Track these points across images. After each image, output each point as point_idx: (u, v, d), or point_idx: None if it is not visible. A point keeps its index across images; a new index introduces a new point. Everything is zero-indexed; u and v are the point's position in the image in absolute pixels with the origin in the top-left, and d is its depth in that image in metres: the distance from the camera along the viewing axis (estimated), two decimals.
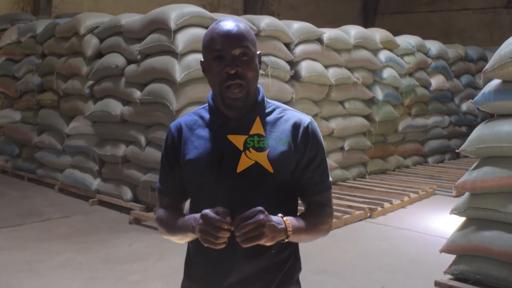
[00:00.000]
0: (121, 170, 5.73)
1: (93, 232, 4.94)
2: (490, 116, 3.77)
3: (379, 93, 7.23)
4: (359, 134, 7.08)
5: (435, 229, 5.08)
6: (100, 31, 6.22)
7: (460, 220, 3.72)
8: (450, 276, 3.66)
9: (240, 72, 1.52)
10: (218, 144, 1.60)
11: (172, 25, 5.21)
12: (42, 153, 6.91)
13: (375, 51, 7.29)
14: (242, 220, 1.42)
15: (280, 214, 1.51)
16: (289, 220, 1.51)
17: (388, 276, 3.96)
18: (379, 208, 5.61)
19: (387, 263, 4.23)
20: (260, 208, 1.45)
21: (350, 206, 5.55)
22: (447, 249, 3.68)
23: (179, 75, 5.10)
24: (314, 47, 6.44)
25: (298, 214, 1.64)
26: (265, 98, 1.67)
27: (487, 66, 3.49)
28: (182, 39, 5.22)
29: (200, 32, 5.30)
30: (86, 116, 6.12)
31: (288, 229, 1.49)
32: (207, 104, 1.68)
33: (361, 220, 5.38)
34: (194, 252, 1.67)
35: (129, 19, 5.92)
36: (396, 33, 8.24)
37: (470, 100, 3.90)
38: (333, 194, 6.43)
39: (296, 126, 1.61)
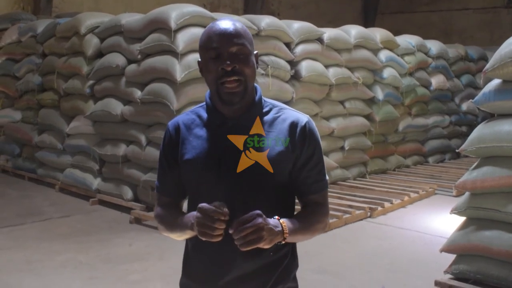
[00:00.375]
0: (122, 170, 5.73)
1: (93, 232, 4.95)
2: (490, 116, 3.77)
3: (379, 93, 7.22)
4: (360, 134, 7.08)
5: (435, 228, 5.08)
6: (101, 30, 6.22)
7: (460, 219, 3.72)
8: (450, 276, 3.66)
9: (237, 68, 1.52)
10: (217, 144, 1.60)
11: (173, 25, 5.21)
12: (43, 152, 6.92)
13: (375, 51, 7.28)
14: (241, 223, 1.42)
15: (276, 217, 1.51)
16: (286, 222, 1.51)
17: (388, 276, 3.96)
18: (380, 208, 5.61)
19: (387, 263, 4.23)
20: (258, 211, 1.45)
21: (350, 206, 5.55)
22: (447, 249, 3.68)
23: (179, 75, 5.10)
24: (314, 46, 6.44)
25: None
26: (262, 97, 1.66)
27: (487, 66, 3.48)
28: (182, 39, 5.23)
29: (200, 32, 5.22)
30: (86, 115, 6.12)
31: (285, 231, 1.49)
32: (204, 103, 1.68)
33: (361, 219, 5.38)
34: (193, 250, 1.67)
35: (130, 18, 5.92)
36: (396, 33, 8.23)
37: (471, 100, 3.90)
38: (333, 194, 6.37)
39: (293, 125, 1.61)
